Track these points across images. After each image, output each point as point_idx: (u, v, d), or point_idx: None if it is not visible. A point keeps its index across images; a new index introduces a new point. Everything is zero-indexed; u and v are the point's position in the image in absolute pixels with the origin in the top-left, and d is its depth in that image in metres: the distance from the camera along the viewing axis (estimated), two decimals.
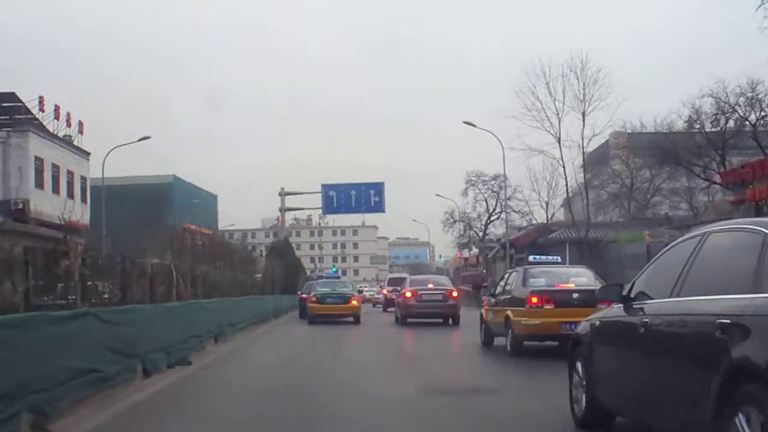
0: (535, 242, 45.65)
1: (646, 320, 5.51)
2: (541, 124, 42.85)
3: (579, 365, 6.96)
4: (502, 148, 42.95)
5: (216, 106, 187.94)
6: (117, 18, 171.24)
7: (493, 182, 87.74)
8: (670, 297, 5.33)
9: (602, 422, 6.65)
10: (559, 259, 35.65)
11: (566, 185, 45.12)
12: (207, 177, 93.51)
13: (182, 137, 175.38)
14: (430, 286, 25.67)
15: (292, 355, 15.53)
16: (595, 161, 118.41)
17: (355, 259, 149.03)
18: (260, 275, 36.83)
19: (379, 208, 51.73)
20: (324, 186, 50.94)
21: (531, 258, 34.94)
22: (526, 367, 12.62)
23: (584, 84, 42.49)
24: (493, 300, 15.88)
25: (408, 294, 25.03)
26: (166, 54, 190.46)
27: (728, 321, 4.37)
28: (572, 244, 41.78)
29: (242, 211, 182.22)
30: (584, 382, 6.78)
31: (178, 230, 21.09)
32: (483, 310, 16.70)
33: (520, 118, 43.04)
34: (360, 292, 47.89)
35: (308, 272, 77.13)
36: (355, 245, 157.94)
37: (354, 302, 27.73)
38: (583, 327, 7.15)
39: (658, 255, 6.25)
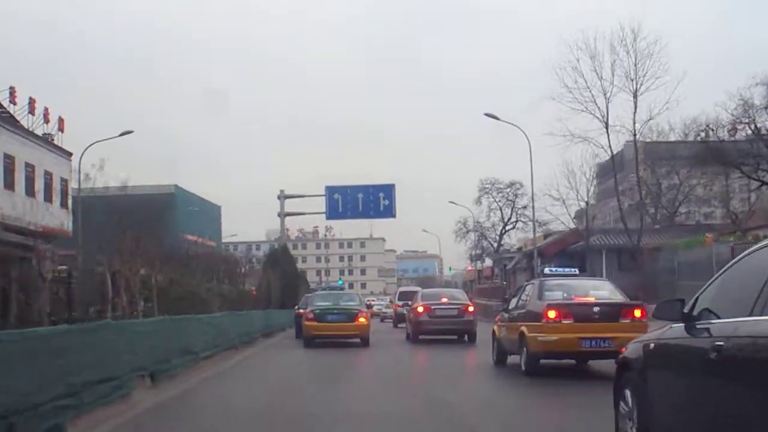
0: (565, 250, 40.78)
1: (719, 343, 4.53)
2: (585, 106, 37.65)
3: (628, 394, 6.02)
4: (529, 143, 38.03)
5: (218, 118, 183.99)
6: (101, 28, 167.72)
7: (509, 190, 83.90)
8: (750, 316, 4.36)
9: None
10: (577, 271, 31.01)
11: (614, 179, 39.18)
12: (211, 190, 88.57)
13: (183, 149, 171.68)
14: (444, 300, 24.00)
15: (262, 406, 10.40)
16: (606, 170, 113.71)
17: (362, 272, 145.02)
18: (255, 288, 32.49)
19: (389, 212, 46.60)
20: (328, 188, 46.05)
21: (547, 270, 30.25)
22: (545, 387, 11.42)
23: (636, 58, 37.46)
24: (506, 315, 14.88)
25: (420, 309, 23.46)
26: (166, 63, 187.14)
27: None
28: (611, 253, 36.90)
29: (247, 224, 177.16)
30: (635, 415, 5.85)
31: (136, 233, 16.04)
32: (495, 327, 15.66)
33: (559, 99, 38.01)
34: (369, 306, 42.42)
35: (313, 285, 72.29)
36: (363, 258, 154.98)
37: (361, 319, 21.85)
38: (632, 349, 6.20)
39: (727, 266, 5.26)
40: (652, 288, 28.67)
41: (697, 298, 5.34)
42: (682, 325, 5.27)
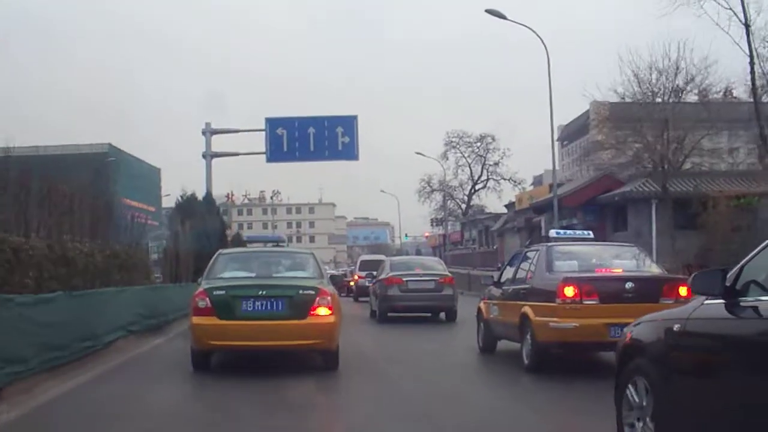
0: (594, 200, 30.07)
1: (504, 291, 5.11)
2: None
3: (641, 386, 4.96)
4: (546, 49, 27.19)
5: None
6: None
7: (478, 144, 74.63)
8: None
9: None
10: (591, 234, 20.39)
11: (752, 73, 25.37)
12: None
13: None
14: (418, 270, 20.63)
15: None
16: (571, 135, 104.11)
17: (311, 239, 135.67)
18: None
19: (349, 153, 34.83)
20: (270, 121, 34.03)
21: (553, 233, 19.79)
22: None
23: None
24: (497, 291, 11.81)
25: (389, 281, 19.82)
26: None
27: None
28: (662, 204, 26.40)
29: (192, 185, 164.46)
30: (650, 413, 4.77)
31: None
32: (482, 304, 12.60)
33: None
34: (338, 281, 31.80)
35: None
36: (312, 224, 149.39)
37: (321, 310, 9.73)
38: (645, 331, 5.16)
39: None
40: (722, 256, 18.80)
41: (741, 268, 4.25)
42: (722, 301, 4.22)
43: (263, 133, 33.83)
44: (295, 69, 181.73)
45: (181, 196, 27.81)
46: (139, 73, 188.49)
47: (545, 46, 28.23)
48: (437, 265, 22.08)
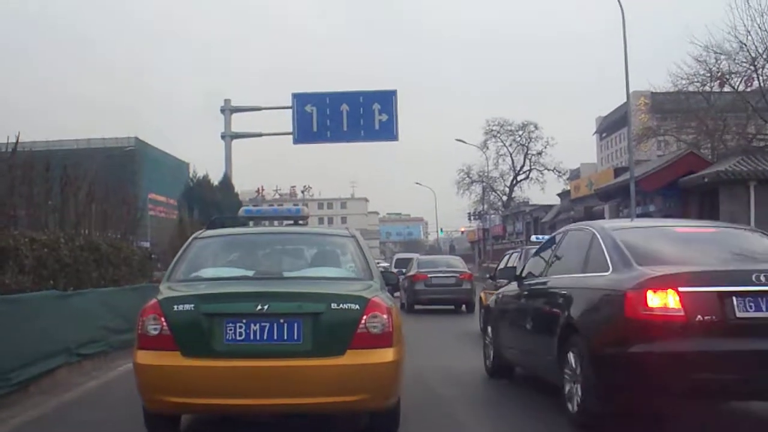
0: (675, 183, 25.70)
1: (525, 293, 7.87)
2: None
3: (489, 329, 9.14)
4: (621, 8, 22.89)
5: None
6: None
7: (520, 132, 70.46)
8: (541, 277, 7.67)
9: (506, 372, 8.61)
10: None
11: None
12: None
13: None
14: (442, 268, 22.87)
15: None
16: (610, 127, 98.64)
17: None
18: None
19: (388, 132, 30.56)
20: (297, 97, 30.25)
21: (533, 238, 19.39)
22: None
23: None
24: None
25: (416, 277, 22.37)
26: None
27: (567, 293, 6.57)
28: (763, 187, 22.10)
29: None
30: (491, 338, 8.98)
31: None
32: (488, 306, 9.80)
33: None
34: (394, 284, 27.10)
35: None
36: (344, 219, 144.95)
37: (373, 339, 5.23)
38: (491, 300, 9.47)
39: (541, 245, 8.99)
40: None
41: (524, 267, 8.74)
42: (516, 282, 8.40)
43: (290, 111, 29.92)
44: (328, 63, 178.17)
45: (191, 179, 23.78)
46: (167, 77, 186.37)
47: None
48: (458, 263, 24.31)
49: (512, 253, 15.50)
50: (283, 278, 6.12)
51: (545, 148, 67.78)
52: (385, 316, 5.26)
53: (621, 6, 24.02)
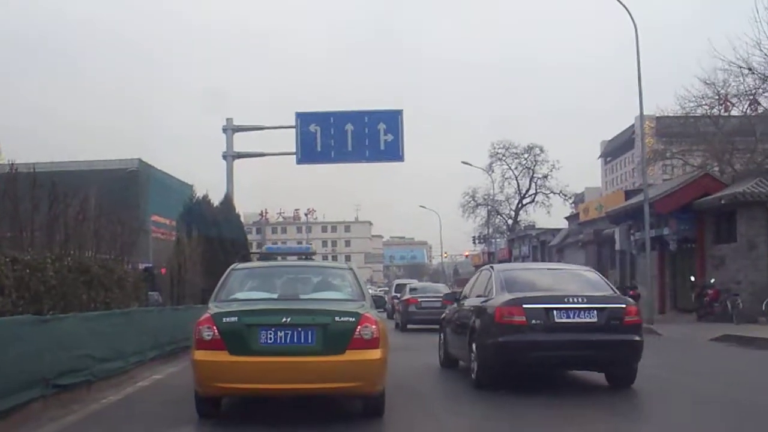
0: (690, 205, 24.91)
1: (457, 310, 11.80)
2: None
3: (442, 335, 12.78)
4: (635, 25, 22.21)
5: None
6: None
7: (526, 155, 69.67)
8: (467, 299, 11.42)
9: (453, 364, 12.26)
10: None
11: None
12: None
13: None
14: (430, 293, 26.24)
15: None
16: (615, 152, 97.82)
17: (348, 257, 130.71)
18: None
19: (393, 153, 29.87)
20: (301, 116, 29.47)
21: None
22: None
23: None
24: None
25: (408, 301, 25.78)
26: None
27: (474, 309, 10.47)
28: None
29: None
30: (444, 344, 12.62)
31: None
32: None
33: None
34: (380, 305, 31.32)
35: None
36: (348, 243, 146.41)
37: (365, 343, 7.33)
38: (444, 314, 13.18)
39: (474, 277, 12.63)
40: None
41: (462, 290, 12.75)
42: (455, 304, 12.16)
43: (293, 133, 29.21)
44: (330, 89, 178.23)
45: (190, 199, 23.04)
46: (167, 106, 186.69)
47: (634, 23, 23.30)
48: (443, 289, 28.31)
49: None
50: (299, 299, 8.42)
51: (551, 171, 66.93)
52: (374, 327, 7.39)
53: (634, 22, 23.32)
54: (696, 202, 24.95)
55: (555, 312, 9.19)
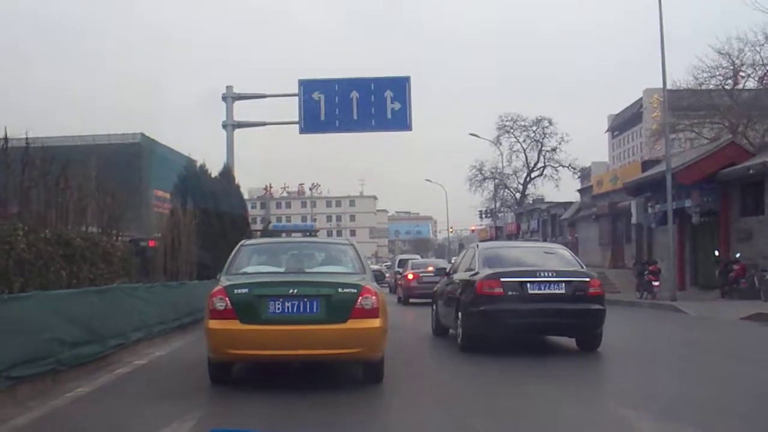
0: (714, 176, 23.64)
1: (447, 283, 12.83)
2: None
3: (434, 306, 13.95)
4: None
5: None
6: None
7: (534, 128, 68.25)
8: (455, 274, 12.61)
9: (444, 333, 13.21)
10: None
11: None
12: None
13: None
14: (430, 269, 25.94)
15: None
16: (622, 126, 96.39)
17: (353, 232, 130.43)
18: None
19: (401, 122, 28.55)
20: (304, 84, 28.18)
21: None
22: None
23: None
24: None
25: (410, 276, 26.54)
26: None
27: (460, 282, 11.68)
28: None
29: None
30: (436, 315, 13.74)
31: None
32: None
33: None
34: (380, 278, 34.80)
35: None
36: (352, 217, 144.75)
37: (365, 312, 7.80)
38: (436, 288, 14.27)
39: (463, 252, 14.45)
40: None
41: (452, 266, 14.09)
42: (446, 277, 13.32)
43: (296, 101, 27.87)
44: (334, 59, 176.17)
45: (186, 168, 21.75)
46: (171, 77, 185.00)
47: None
48: (444, 264, 26.57)
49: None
50: (305, 272, 8.92)
51: (560, 144, 65.60)
52: (373, 297, 7.85)
53: None
54: (721, 173, 23.64)
55: (528, 284, 10.62)
